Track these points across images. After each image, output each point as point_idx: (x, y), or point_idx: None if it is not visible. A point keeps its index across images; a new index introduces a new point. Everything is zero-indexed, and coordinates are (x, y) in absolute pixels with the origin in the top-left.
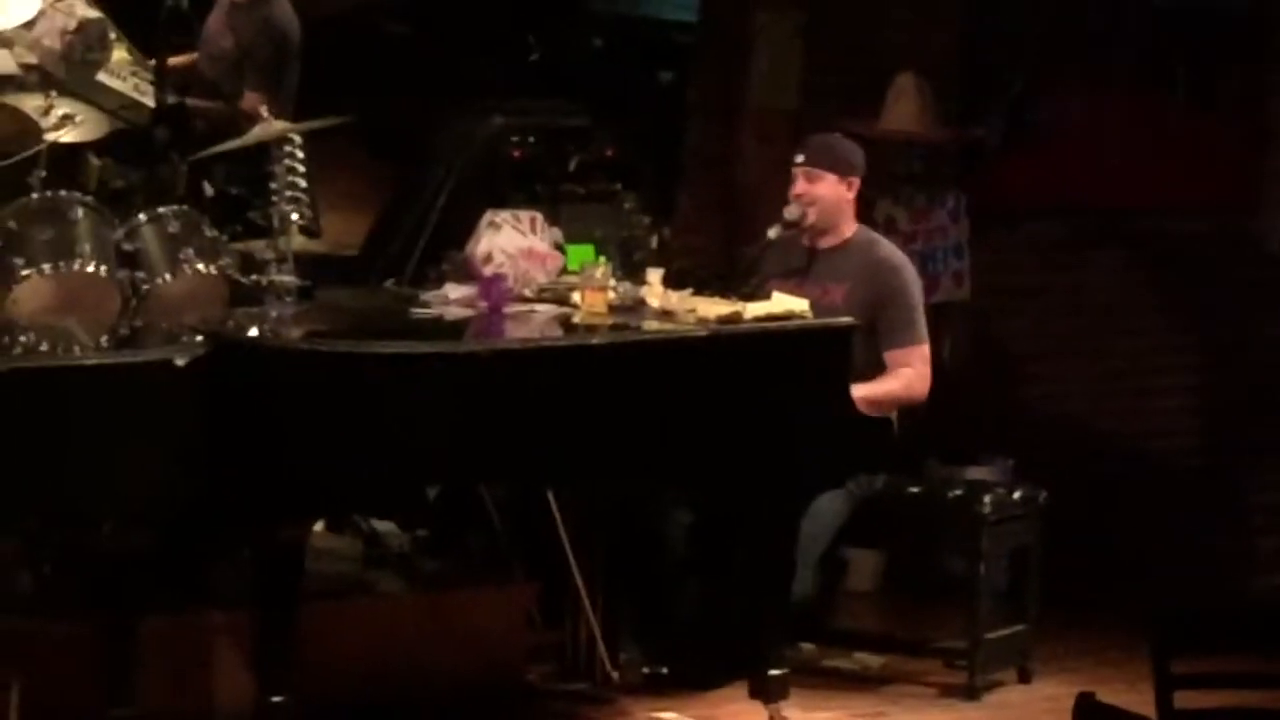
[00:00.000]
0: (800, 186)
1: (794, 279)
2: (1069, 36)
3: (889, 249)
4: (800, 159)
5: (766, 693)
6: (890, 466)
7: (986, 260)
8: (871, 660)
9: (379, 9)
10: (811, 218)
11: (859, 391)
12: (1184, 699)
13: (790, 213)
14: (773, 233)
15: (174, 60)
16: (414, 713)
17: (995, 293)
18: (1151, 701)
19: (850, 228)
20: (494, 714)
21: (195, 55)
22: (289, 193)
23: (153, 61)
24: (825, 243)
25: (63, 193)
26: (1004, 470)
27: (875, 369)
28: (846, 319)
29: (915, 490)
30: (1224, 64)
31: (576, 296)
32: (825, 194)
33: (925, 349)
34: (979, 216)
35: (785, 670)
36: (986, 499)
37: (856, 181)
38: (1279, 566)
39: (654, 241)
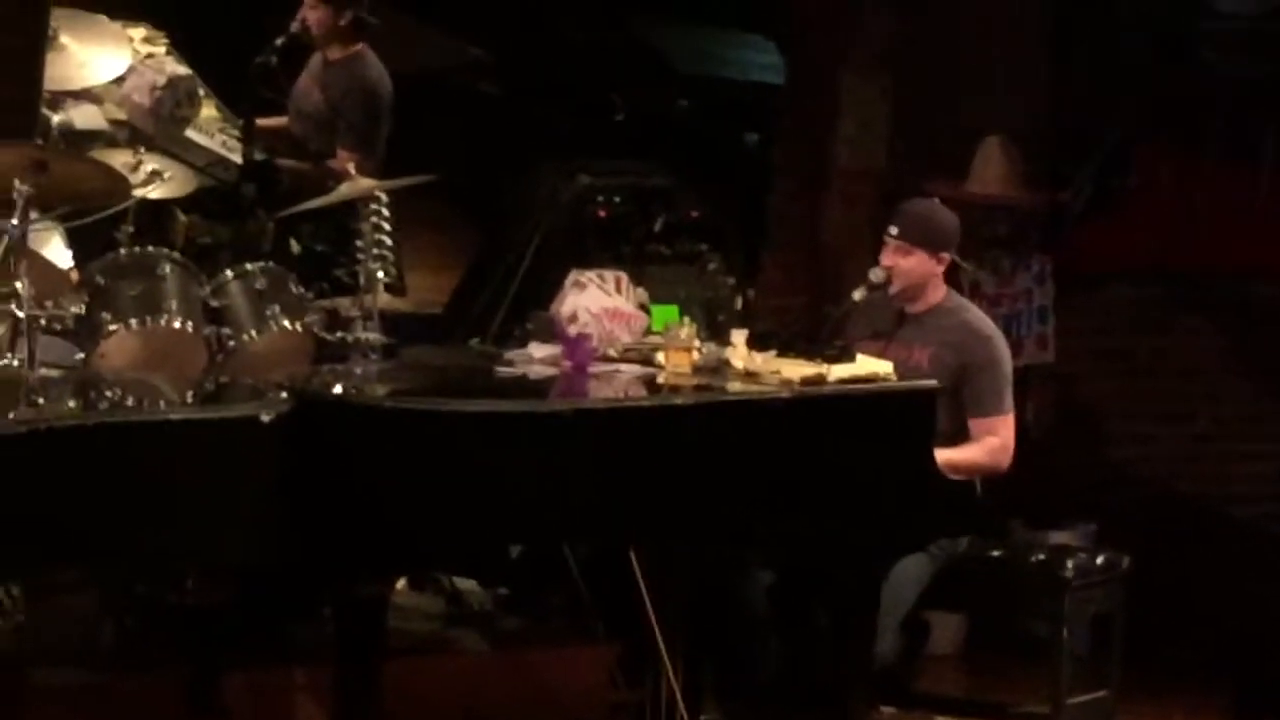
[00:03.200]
0: (889, 258)
1: (880, 341)
2: (1157, 100)
3: (978, 317)
4: (894, 231)
5: None
6: (973, 530)
7: (1071, 324)
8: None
9: (468, 69)
10: (896, 288)
11: (943, 456)
12: None
13: (875, 275)
14: (858, 295)
15: (265, 122)
16: None
17: (1080, 356)
18: None
19: (938, 293)
20: None
21: (286, 119)
22: (375, 250)
23: (241, 119)
24: (913, 307)
25: (151, 248)
26: (1087, 535)
27: (959, 435)
28: (930, 382)
29: (998, 554)
30: None
31: (661, 357)
32: (913, 268)
33: (1011, 419)
34: (1064, 280)
35: None
36: (1069, 563)
37: (947, 257)
38: None
39: (738, 302)
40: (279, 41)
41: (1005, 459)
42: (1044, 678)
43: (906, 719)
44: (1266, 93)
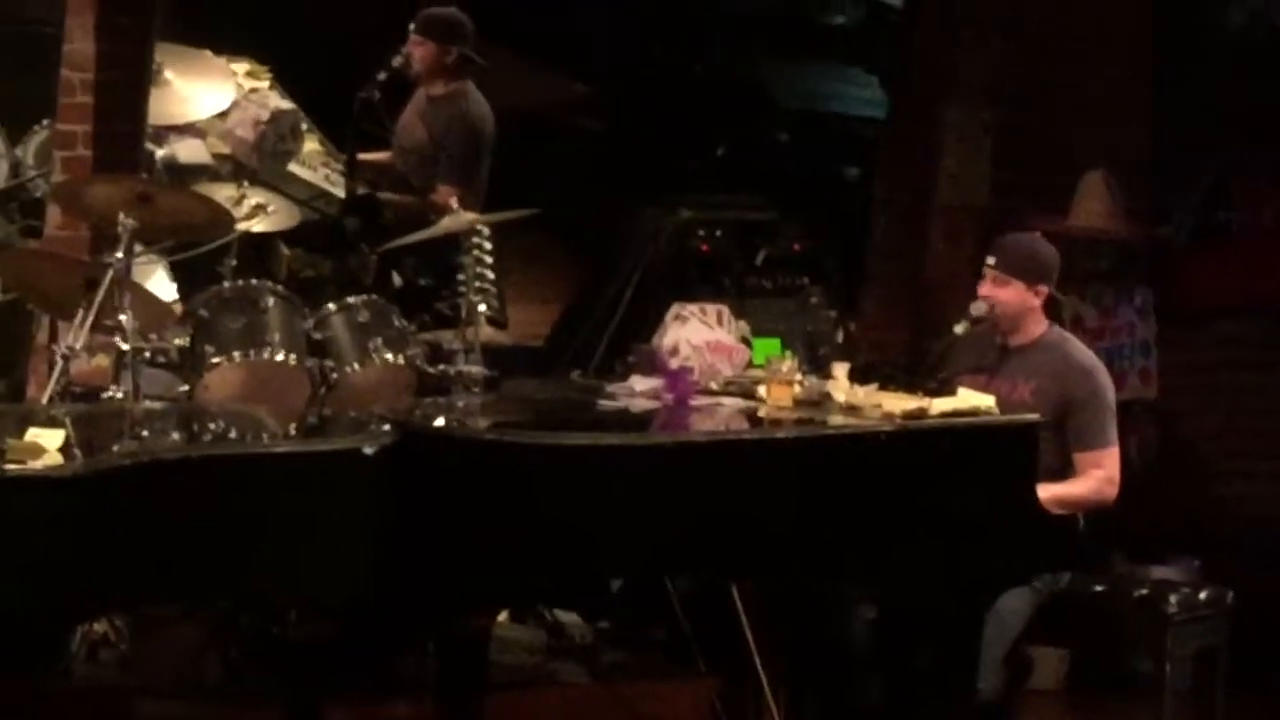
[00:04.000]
0: (986, 288)
1: (983, 375)
2: (1260, 134)
3: (1081, 350)
4: (991, 262)
5: None
6: (1075, 564)
7: (1174, 359)
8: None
9: (571, 104)
10: (984, 310)
11: (1047, 492)
12: None
13: (976, 309)
14: (959, 328)
15: (368, 157)
16: None
17: (1183, 392)
18: None
19: (1040, 327)
20: None
21: (389, 154)
22: (477, 283)
23: (344, 153)
24: (1015, 340)
25: (254, 281)
26: (1190, 570)
27: (1063, 469)
28: (1033, 416)
29: (1101, 589)
30: None
31: (762, 390)
32: (1010, 299)
33: (1115, 452)
34: (1167, 314)
35: None
36: (1173, 598)
37: (1045, 290)
38: None
39: (840, 335)
40: (382, 76)
41: (1111, 492)
42: (1147, 714)
43: None
44: None
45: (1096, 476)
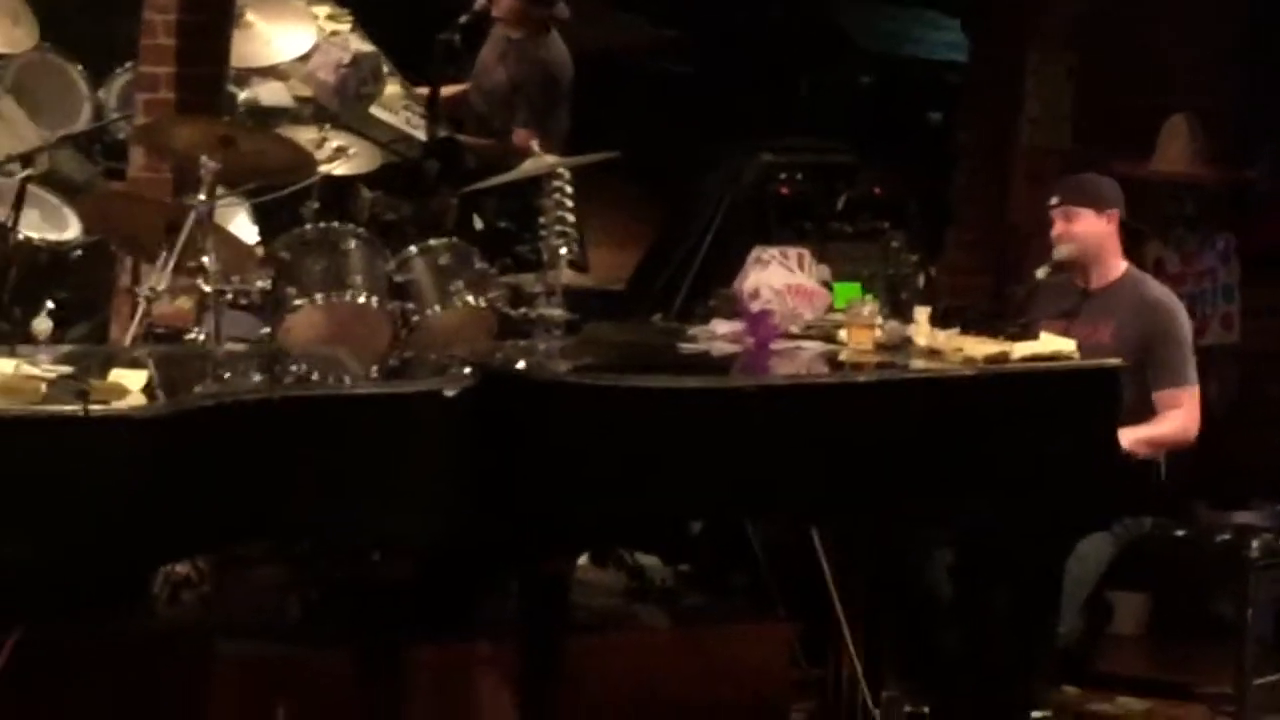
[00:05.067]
0: (1059, 227)
1: (1064, 320)
2: None
3: (1159, 289)
4: (1055, 200)
5: None
6: (1157, 509)
7: (1257, 303)
8: (1136, 705)
9: (652, 48)
10: (1071, 254)
11: (1130, 434)
12: None
13: (1059, 253)
14: (1041, 273)
15: (446, 90)
16: None
17: (1265, 335)
18: None
19: (1119, 267)
20: None
21: (467, 86)
22: (558, 226)
23: (425, 93)
24: (1095, 283)
25: (335, 224)
26: (1273, 515)
27: (1143, 409)
28: (1115, 361)
29: (1182, 534)
30: None
31: (843, 334)
32: (1084, 230)
33: (1196, 390)
34: (1250, 259)
35: (1048, 713)
36: (1255, 544)
37: (1115, 214)
38: None
39: (921, 280)
40: (463, 19)
41: (1192, 430)
42: (1228, 659)
43: (1089, 698)
44: None
45: (1177, 416)
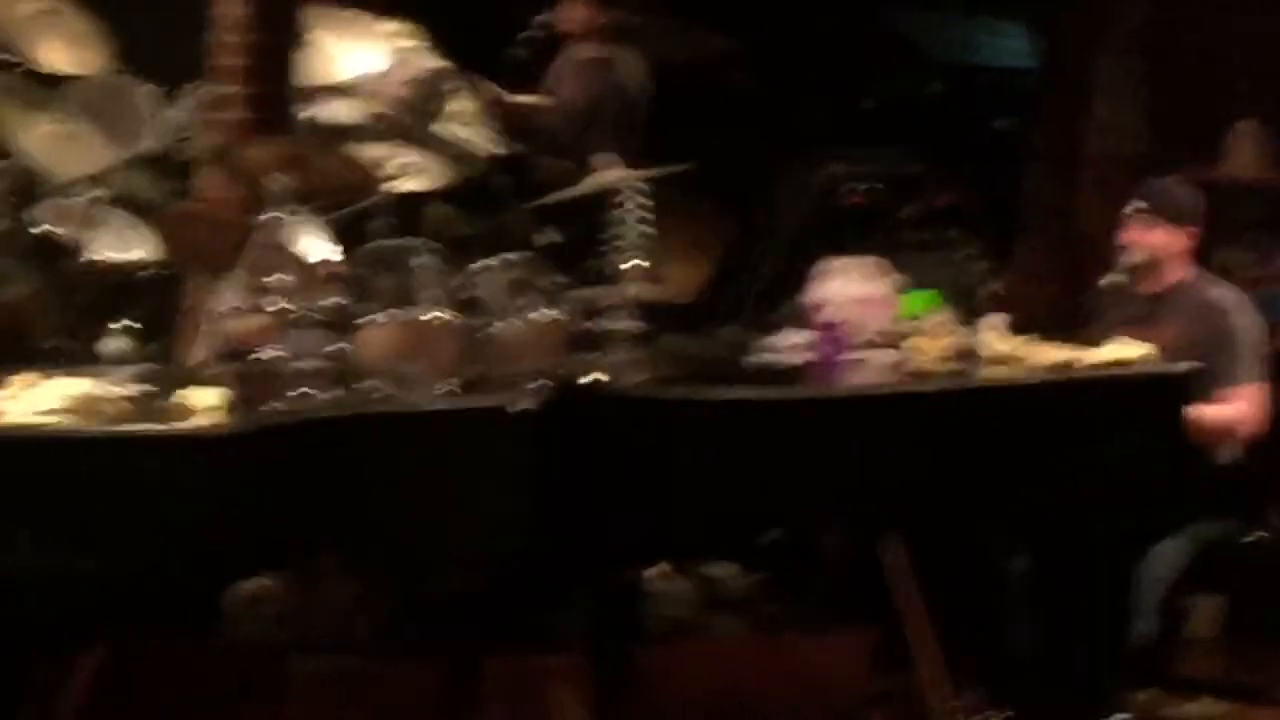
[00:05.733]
0: (1134, 233)
1: (1133, 325)
2: None
3: (1222, 290)
4: (1139, 205)
5: None
6: (1232, 513)
7: None
8: (1214, 708)
9: (720, 61)
10: (1138, 260)
11: (1192, 412)
12: None
13: (1126, 259)
14: (1111, 279)
15: (521, 99)
16: None
17: None
18: None
19: (1181, 272)
20: None
21: (537, 99)
22: (629, 240)
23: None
24: (1154, 287)
25: (405, 239)
26: None
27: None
28: (1182, 366)
29: (1259, 537)
30: None
31: (913, 343)
32: (1158, 242)
33: (1257, 389)
34: None
35: (1127, 715)
36: None
37: (1196, 231)
38: None
39: (992, 288)
40: (533, 35)
41: (1255, 424)
42: None
43: (1165, 701)
44: None
45: (1238, 407)
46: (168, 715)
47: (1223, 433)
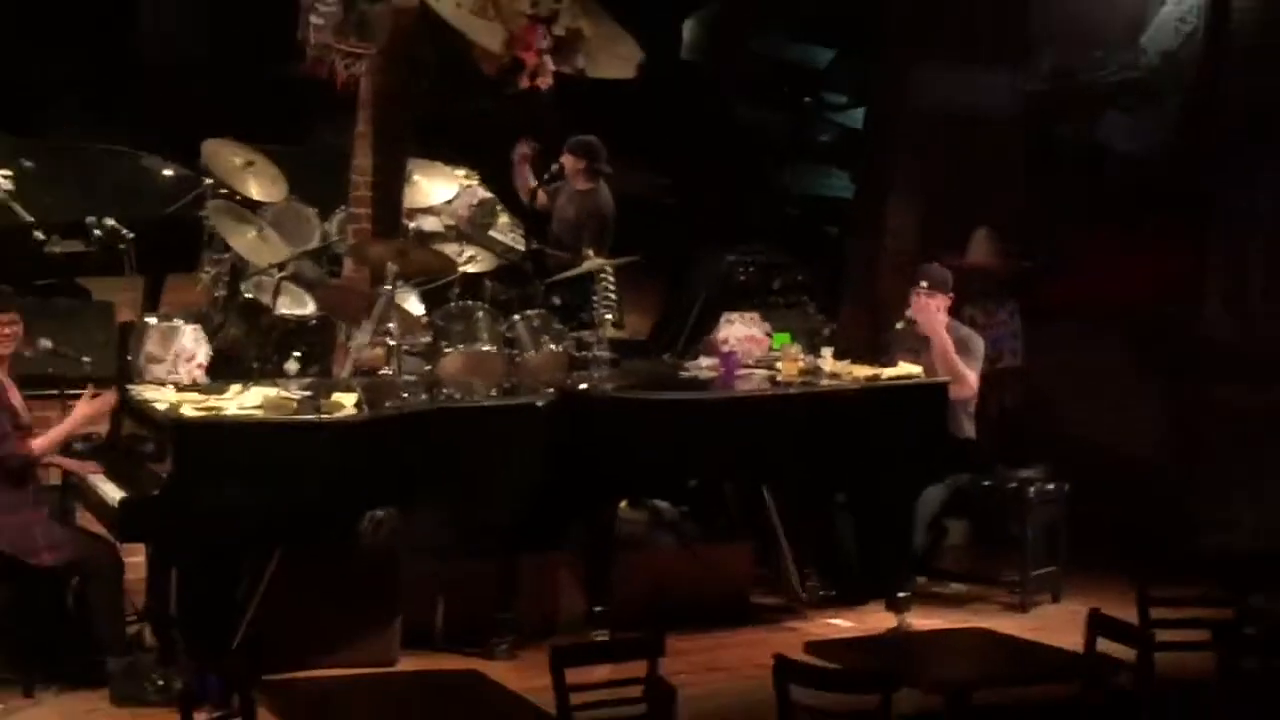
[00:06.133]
0: (921, 300)
1: (911, 355)
2: (1086, 190)
3: (966, 332)
4: (923, 284)
5: (896, 607)
6: (973, 469)
7: (1034, 342)
8: (961, 587)
9: (657, 189)
10: (922, 315)
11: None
12: (1157, 613)
13: (909, 314)
14: (899, 325)
15: (536, 205)
16: (679, 620)
17: (1039, 362)
18: (1135, 615)
19: (944, 321)
20: (730, 621)
21: (546, 201)
22: (605, 302)
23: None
24: (930, 331)
25: (469, 302)
26: (1043, 472)
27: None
28: (944, 378)
29: (988, 483)
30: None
31: (780, 365)
32: (934, 302)
33: (974, 366)
34: (1028, 314)
35: (908, 594)
36: (1031, 490)
37: (950, 296)
38: (1214, 532)
39: (826, 331)
40: (545, 177)
41: (968, 380)
42: (1016, 560)
43: (932, 584)
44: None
45: (967, 393)
46: (325, 599)
47: (954, 372)
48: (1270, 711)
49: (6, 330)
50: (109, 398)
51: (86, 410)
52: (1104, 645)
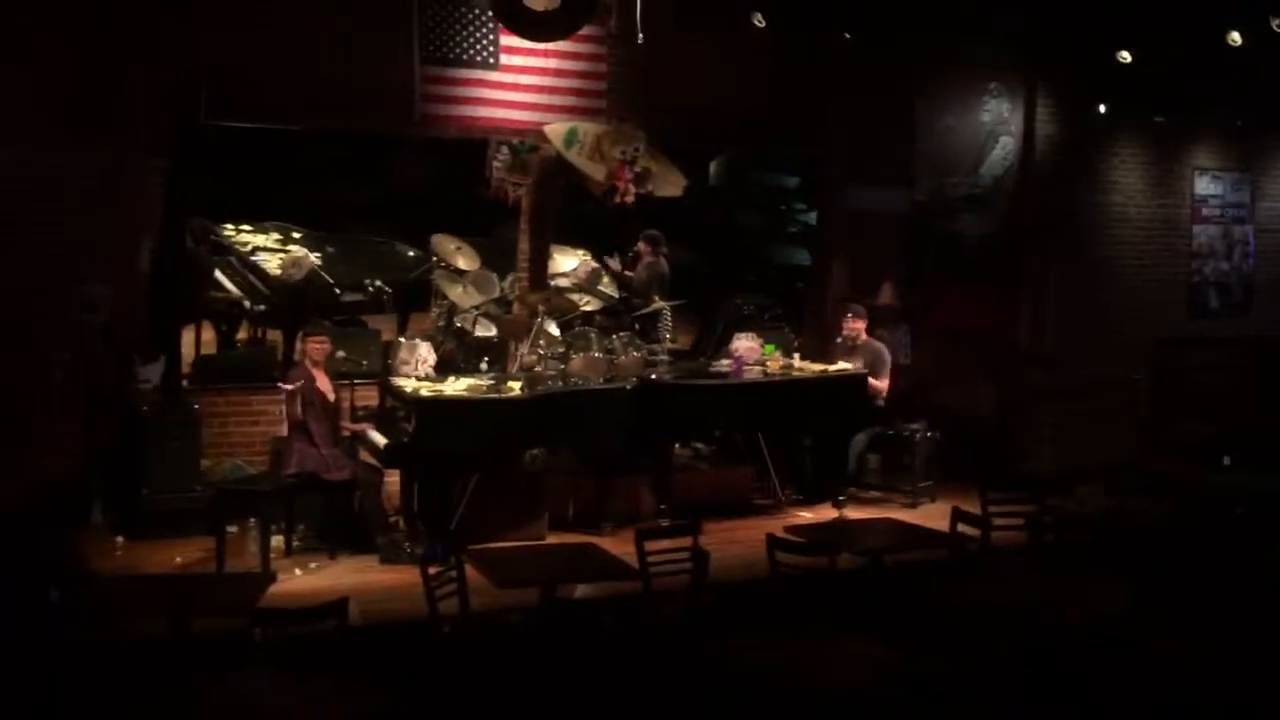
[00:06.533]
0: (850, 324)
1: (846, 356)
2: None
3: (878, 344)
4: (850, 315)
5: (838, 505)
6: (881, 423)
7: (922, 350)
8: (876, 494)
9: (695, 261)
10: (851, 334)
11: (873, 384)
12: (993, 509)
13: (845, 332)
14: (838, 340)
15: (623, 271)
16: (709, 513)
17: (922, 360)
18: (980, 510)
19: (864, 337)
20: (739, 514)
21: (630, 274)
22: (665, 328)
23: (617, 281)
24: (855, 342)
25: (585, 327)
26: (924, 424)
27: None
28: (863, 371)
29: (892, 432)
30: (994, 270)
31: (768, 364)
32: (857, 326)
33: (887, 379)
34: (917, 333)
35: (845, 498)
36: (918, 435)
37: (866, 321)
38: (1025, 461)
39: (795, 344)
40: (630, 255)
41: (885, 388)
42: (908, 478)
43: (858, 494)
44: (987, 245)
45: (881, 384)
46: (500, 503)
47: (878, 392)
48: (1061, 566)
49: (324, 346)
50: (358, 426)
51: (351, 427)
52: (961, 528)
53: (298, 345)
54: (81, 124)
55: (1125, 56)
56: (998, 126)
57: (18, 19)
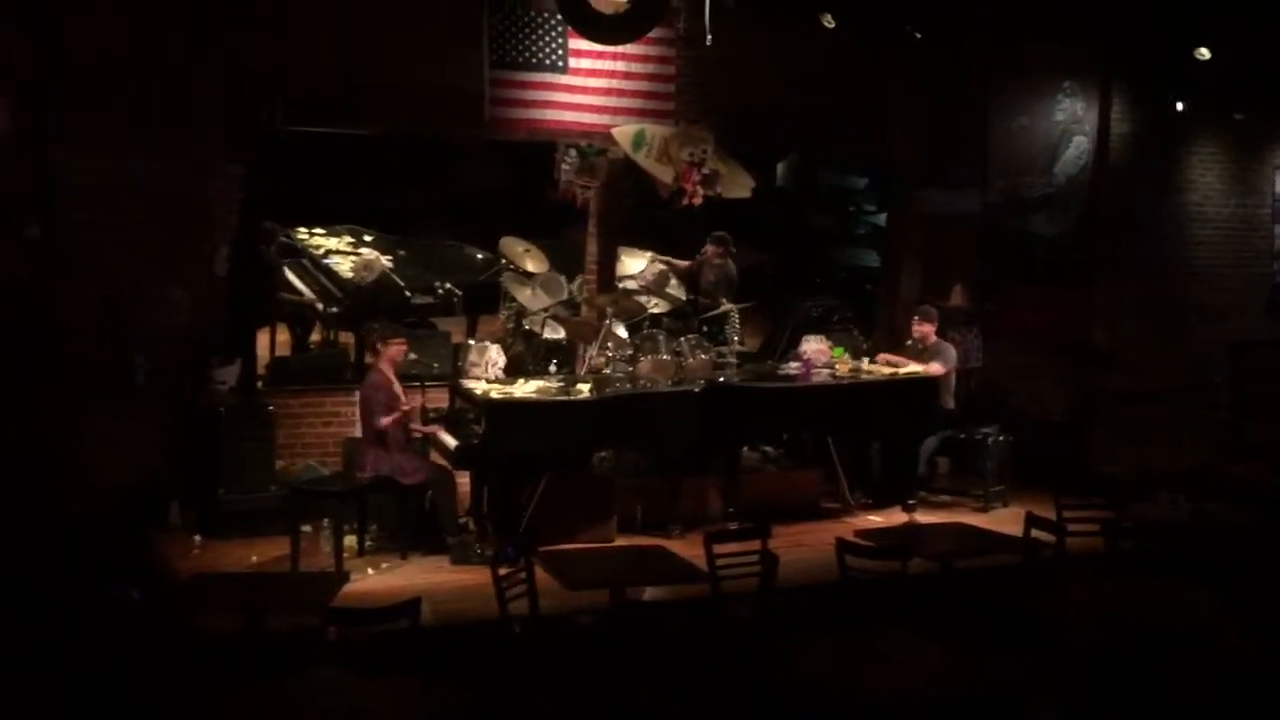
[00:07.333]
0: (918, 327)
1: (917, 359)
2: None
3: (948, 346)
4: (918, 316)
5: (908, 509)
6: (952, 427)
7: (991, 352)
8: (946, 499)
9: (763, 262)
10: (920, 336)
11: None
12: (1067, 514)
13: (914, 334)
14: (908, 343)
15: (685, 264)
16: (777, 516)
17: (993, 363)
18: (1054, 515)
19: (933, 339)
20: (808, 517)
21: (692, 264)
22: (733, 330)
23: (684, 283)
24: (926, 344)
25: (654, 329)
26: (996, 428)
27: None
28: (938, 371)
29: (963, 436)
30: (1068, 271)
31: (837, 366)
32: (926, 329)
33: (946, 362)
34: (987, 335)
35: (915, 501)
36: (989, 439)
37: (936, 324)
38: (1101, 466)
39: (864, 346)
40: (697, 257)
41: (949, 375)
42: (980, 482)
43: (928, 498)
44: (1065, 249)
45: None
46: (569, 504)
47: (937, 376)
48: (1139, 572)
49: (401, 348)
50: (429, 429)
51: (423, 429)
52: (1035, 534)
53: (379, 348)
54: (166, 132)
55: (1204, 53)
56: (1071, 125)
57: (113, 45)
